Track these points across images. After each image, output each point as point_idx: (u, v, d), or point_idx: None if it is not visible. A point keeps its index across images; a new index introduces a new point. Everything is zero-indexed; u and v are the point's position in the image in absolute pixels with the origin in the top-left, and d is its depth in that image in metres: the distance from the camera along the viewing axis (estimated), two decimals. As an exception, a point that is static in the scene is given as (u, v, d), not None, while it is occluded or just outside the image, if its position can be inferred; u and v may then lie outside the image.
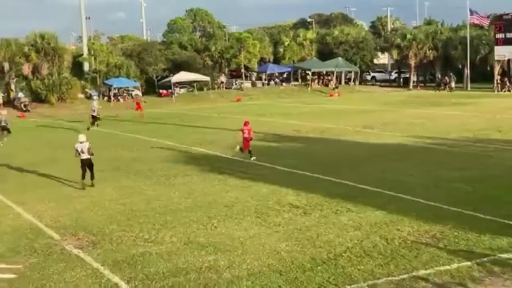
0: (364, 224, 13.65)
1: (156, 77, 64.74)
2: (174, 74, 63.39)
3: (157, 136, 31.66)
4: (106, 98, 60.14)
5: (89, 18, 65.95)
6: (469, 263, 10.90)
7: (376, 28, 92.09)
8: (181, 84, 65.02)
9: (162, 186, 19.07)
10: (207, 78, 64.74)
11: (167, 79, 63.09)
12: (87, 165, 19.05)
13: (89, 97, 59.71)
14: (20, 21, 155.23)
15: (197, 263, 11.48)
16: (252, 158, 22.82)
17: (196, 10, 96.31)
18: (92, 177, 19.24)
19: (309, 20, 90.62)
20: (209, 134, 32.64)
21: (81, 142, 19.07)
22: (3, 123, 32.82)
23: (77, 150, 19.06)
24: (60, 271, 11.34)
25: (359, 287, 10.07)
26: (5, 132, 32.13)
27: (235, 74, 73.73)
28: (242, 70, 70.61)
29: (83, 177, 19.08)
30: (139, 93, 61.18)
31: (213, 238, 13.10)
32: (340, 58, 71.99)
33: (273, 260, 11.46)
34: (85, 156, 19.00)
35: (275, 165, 21.84)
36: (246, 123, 23.34)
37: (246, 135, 23.10)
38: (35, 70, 58.25)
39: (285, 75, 74.69)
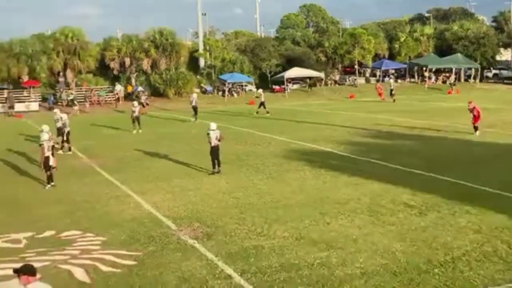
0: (484, 227, 13.06)
1: (269, 72, 65.27)
2: (287, 69, 63.68)
3: (270, 132, 31.89)
4: (220, 93, 61.40)
5: (205, 14, 67.54)
6: None
7: (499, 23, 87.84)
8: (294, 80, 65.27)
9: (274, 180, 19.20)
10: (320, 74, 64.53)
11: (280, 75, 63.43)
12: (215, 151, 20.33)
13: (205, 92, 61.26)
14: (140, 18, 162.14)
15: (309, 259, 11.45)
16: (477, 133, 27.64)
17: (310, 5, 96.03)
18: (218, 164, 20.42)
19: (426, 15, 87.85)
20: (321, 130, 32.47)
21: (212, 130, 20.43)
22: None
23: (209, 136, 20.43)
24: (177, 260, 11.68)
25: (478, 292, 9.67)
26: None
27: (348, 70, 72.98)
28: (356, 66, 69.76)
29: (214, 166, 20.39)
30: (257, 89, 61.80)
31: (326, 234, 13.02)
32: (459, 54, 69.31)
33: (387, 260, 11.22)
34: (214, 143, 20.36)
35: (388, 163, 21.39)
36: (470, 102, 29.24)
37: (474, 112, 28.35)
38: (154, 65, 60.50)
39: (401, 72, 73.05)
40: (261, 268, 11.06)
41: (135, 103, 35.58)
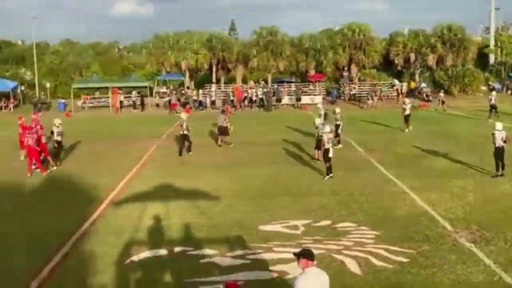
0: None
1: None
2: None
3: None
4: (509, 91, 57.52)
5: (498, 9, 63.84)
6: None
7: None
8: None
9: None
10: None
11: None
12: (500, 153, 19.33)
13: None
14: (427, 12, 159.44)
15: None
16: None
17: None
18: (502, 167, 19.37)
19: None
20: None
21: (498, 130, 19.52)
22: None
23: (494, 137, 19.48)
24: (451, 262, 11.26)
25: None
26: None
27: None
28: None
29: (497, 168, 19.33)
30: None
31: None
32: None
33: None
34: (499, 144, 19.32)
35: None
36: None
37: None
38: (440, 61, 58.90)
39: None
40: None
41: (406, 100, 34.96)
